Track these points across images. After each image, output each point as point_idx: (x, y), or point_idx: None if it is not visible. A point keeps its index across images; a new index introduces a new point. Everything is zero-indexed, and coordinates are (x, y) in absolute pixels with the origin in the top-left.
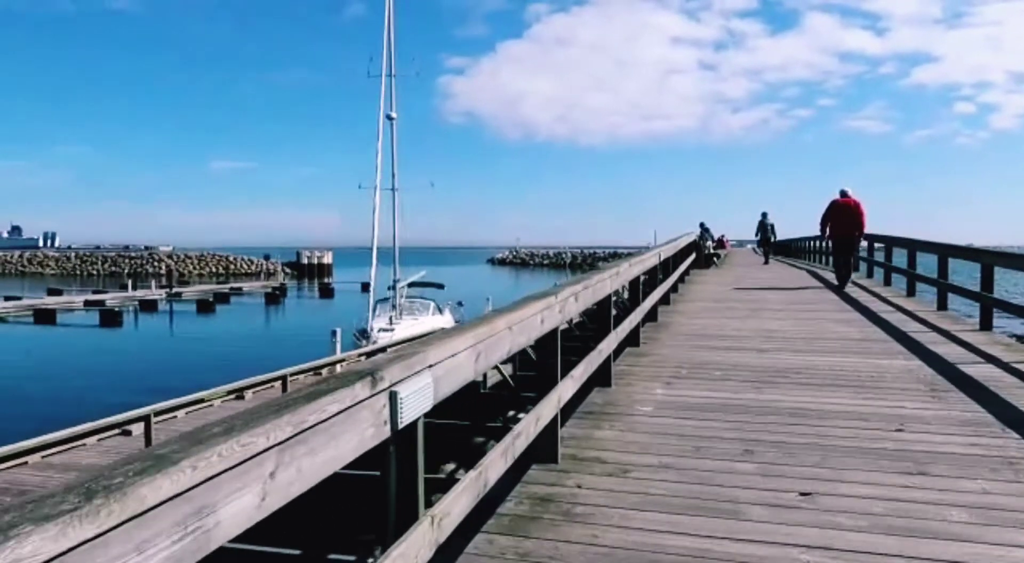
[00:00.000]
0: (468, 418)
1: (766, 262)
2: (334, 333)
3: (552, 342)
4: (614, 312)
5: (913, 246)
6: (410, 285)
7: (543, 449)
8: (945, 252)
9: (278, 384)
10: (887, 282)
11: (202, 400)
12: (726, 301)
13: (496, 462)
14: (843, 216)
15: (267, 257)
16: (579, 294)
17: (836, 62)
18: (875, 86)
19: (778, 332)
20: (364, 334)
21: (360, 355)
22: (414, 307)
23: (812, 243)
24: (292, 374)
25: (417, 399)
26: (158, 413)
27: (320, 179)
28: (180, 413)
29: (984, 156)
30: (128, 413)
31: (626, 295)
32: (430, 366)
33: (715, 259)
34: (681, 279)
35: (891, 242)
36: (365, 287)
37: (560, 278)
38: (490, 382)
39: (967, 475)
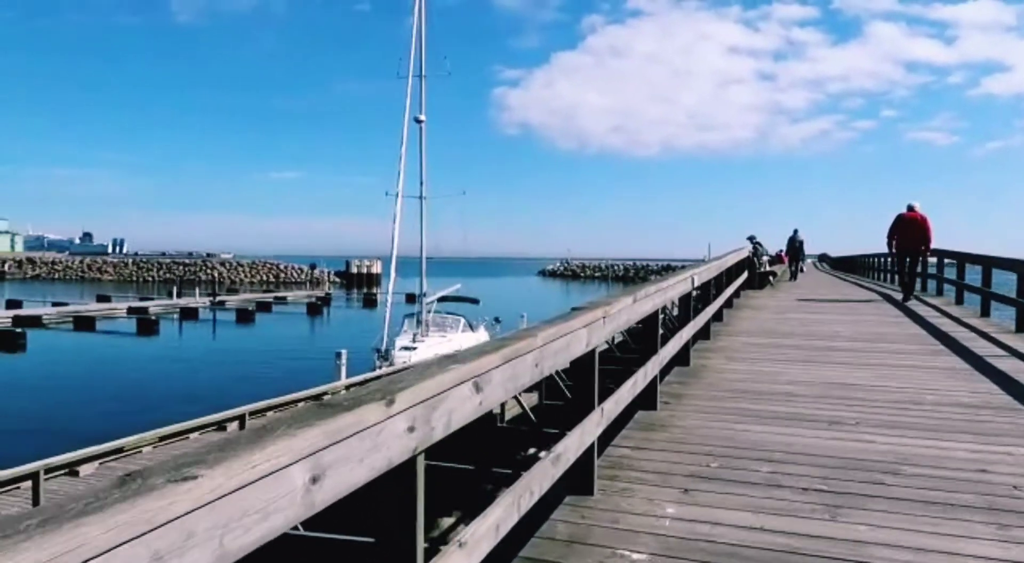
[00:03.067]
0: (481, 456)
1: (793, 278)
2: (339, 355)
3: (402, 488)
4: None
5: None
6: (440, 300)
7: None
8: None
9: (233, 425)
10: (984, 312)
11: (122, 449)
12: (783, 335)
13: None
14: (909, 230)
15: (313, 266)
16: (483, 379)
17: (901, 72)
18: (942, 96)
19: (854, 388)
20: (383, 353)
21: (348, 386)
22: (445, 323)
23: (879, 260)
24: (254, 412)
25: None
26: (50, 469)
27: (376, 187)
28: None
29: None
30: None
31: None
32: None
33: (771, 278)
34: (728, 303)
35: (990, 263)
36: (410, 298)
37: (611, 290)
38: (509, 414)
39: None
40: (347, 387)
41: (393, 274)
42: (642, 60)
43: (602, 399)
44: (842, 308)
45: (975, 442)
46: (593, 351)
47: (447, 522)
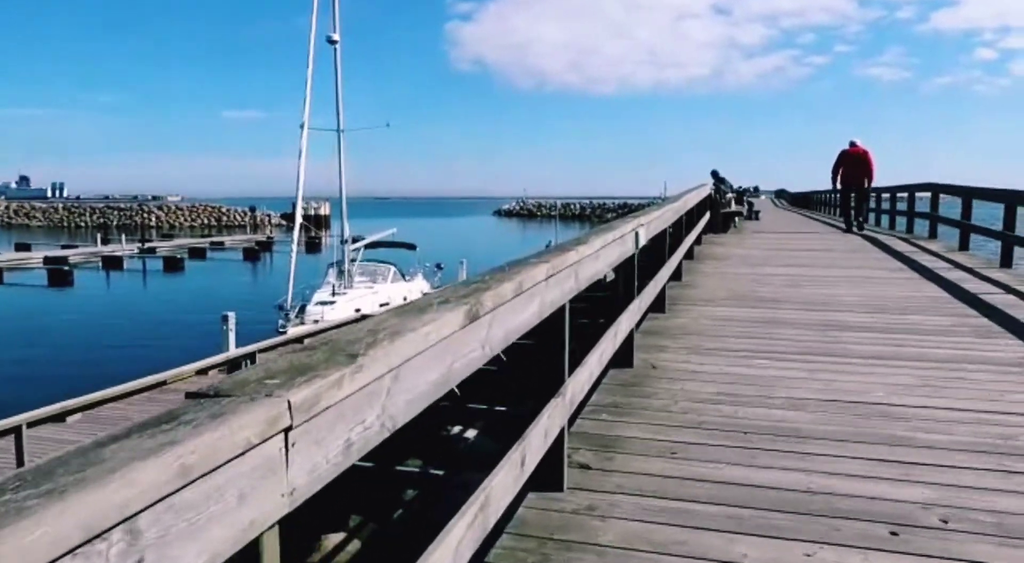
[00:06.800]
0: (395, 434)
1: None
2: (225, 319)
3: None
4: None
5: None
6: (371, 246)
7: None
8: None
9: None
10: (1005, 263)
11: None
12: (765, 303)
13: None
14: (853, 165)
15: (252, 208)
16: None
17: (854, 6)
18: (893, 31)
19: (897, 415)
20: (293, 311)
21: (203, 368)
22: (376, 272)
23: (836, 196)
24: (31, 422)
25: None
26: None
27: (333, 126)
28: None
29: (1004, 104)
30: None
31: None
32: None
33: (736, 220)
34: (689, 253)
35: (1016, 199)
36: (356, 242)
37: (563, 232)
38: None
39: None
40: (199, 372)
41: (299, 219)
42: None
43: None
44: (828, 257)
45: None
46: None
47: (334, 540)
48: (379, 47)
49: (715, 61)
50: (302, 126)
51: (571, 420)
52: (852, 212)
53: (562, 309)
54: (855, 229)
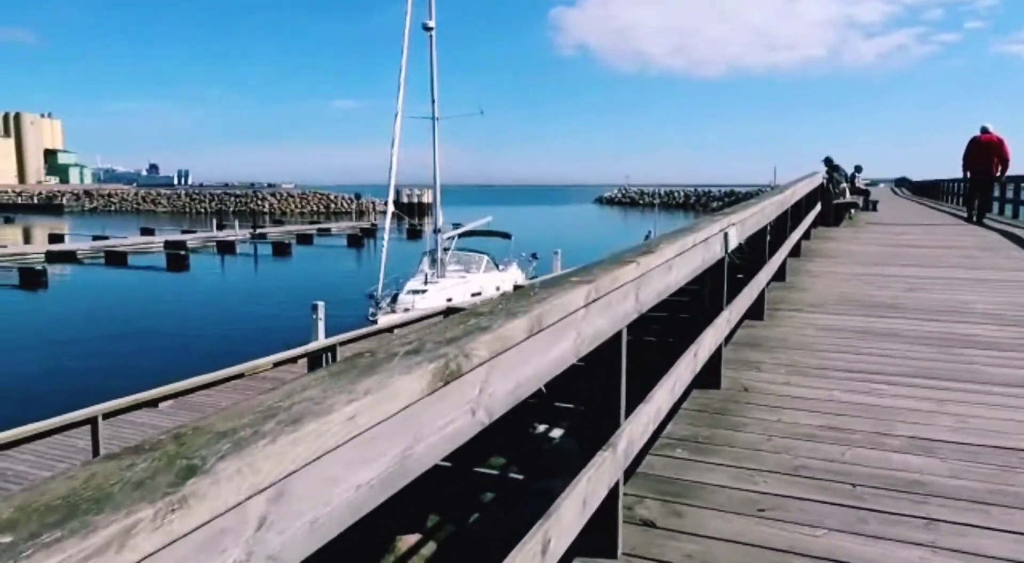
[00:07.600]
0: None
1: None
2: (315, 308)
3: None
4: None
5: None
6: (463, 235)
7: None
8: None
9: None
10: None
11: None
12: (881, 310)
13: None
14: (982, 153)
15: (358, 196)
16: None
17: None
18: None
19: None
20: (385, 300)
21: (275, 363)
22: (470, 261)
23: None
24: (108, 413)
25: None
26: None
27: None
28: None
29: None
30: None
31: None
32: None
33: (851, 211)
34: (796, 249)
35: None
36: (455, 228)
37: (664, 221)
38: None
39: None
40: (276, 364)
41: (391, 207)
42: None
43: None
44: (956, 255)
45: None
46: None
47: (409, 541)
48: (480, 33)
49: (832, 41)
50: (397, 115)
51: (639, 457)
52: (976, 203)
53: (616, 338)
54: (974, 221)
